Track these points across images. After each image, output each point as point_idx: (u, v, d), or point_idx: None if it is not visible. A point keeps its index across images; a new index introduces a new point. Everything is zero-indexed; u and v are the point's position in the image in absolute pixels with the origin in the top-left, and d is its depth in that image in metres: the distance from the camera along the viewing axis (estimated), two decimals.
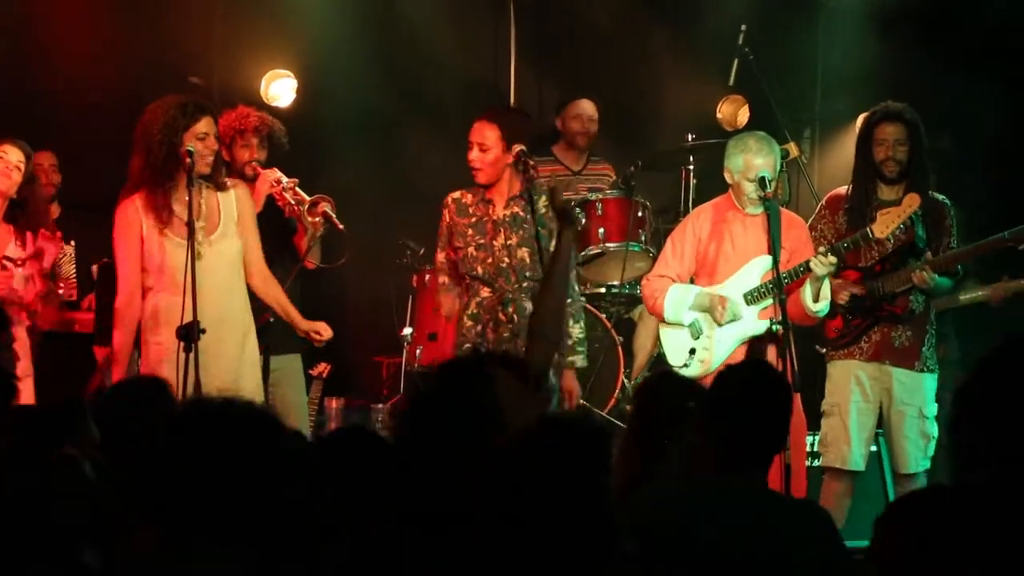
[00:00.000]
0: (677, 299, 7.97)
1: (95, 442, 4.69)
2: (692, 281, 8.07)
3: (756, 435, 4.82)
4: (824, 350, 8.23)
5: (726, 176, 7.94)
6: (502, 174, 7.66)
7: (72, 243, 9.30)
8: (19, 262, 7.67)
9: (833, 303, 7.90)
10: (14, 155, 7.80)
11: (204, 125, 7.17)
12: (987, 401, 3.44)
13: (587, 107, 10.46)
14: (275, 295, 7.53)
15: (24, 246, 7.74)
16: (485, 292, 7.69)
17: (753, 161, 7.79)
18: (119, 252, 7.27)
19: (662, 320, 8.11)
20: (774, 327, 7.58)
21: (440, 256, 7.88)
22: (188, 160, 7.05)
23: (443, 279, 7.87)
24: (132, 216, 7.17)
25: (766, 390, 4.91)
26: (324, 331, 7.59)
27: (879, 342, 7.96)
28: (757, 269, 7.86)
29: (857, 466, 7.89)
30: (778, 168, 7.92)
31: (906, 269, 7.89)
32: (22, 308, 7.70)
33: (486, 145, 7.63)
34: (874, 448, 8.32)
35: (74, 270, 9.39)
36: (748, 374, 5.06)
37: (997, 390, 3.44)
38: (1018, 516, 3.34)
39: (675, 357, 8.08)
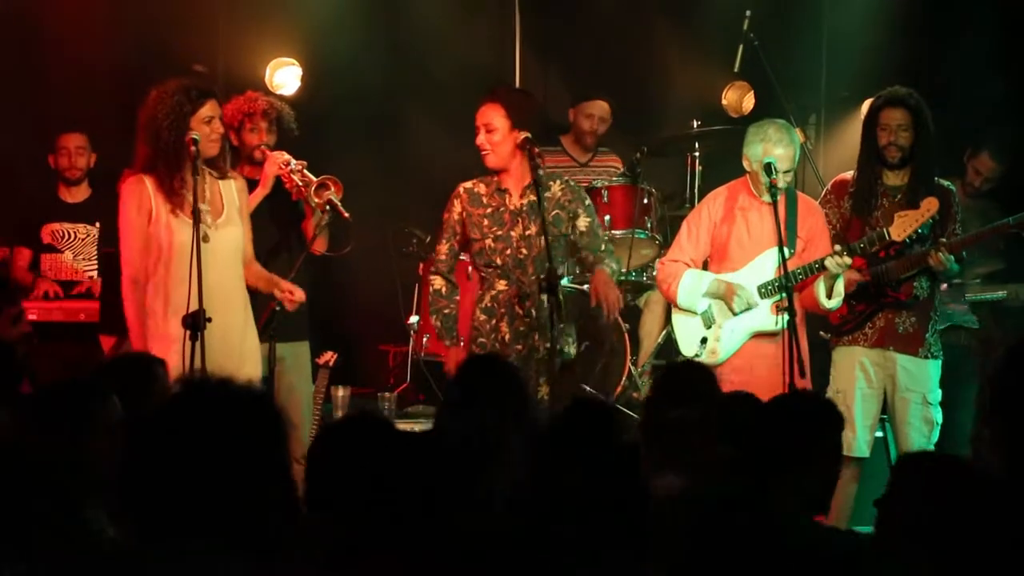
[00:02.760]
0: (691, 285, 7.94)
1: (116, 420, 4.65)
2: (706, 265, 8.05)
3: None
4: (828, 336, 8.23)
5: (744, 163, 7.89)
6: (512, 159, 7.62)
7: (97, 224, 9.26)
8: None
9: None
10: None
11: (209, 109, 7.13)
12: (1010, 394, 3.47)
13: (600, 108, 10.40)
14: (256, 271, 7.42)
15: None
16: (501, 285, 7.65)
17: (773, 151, 7.74)
18: (126, 227, 7.16)
19: (675, 306, 8.09)
20: (781, 323, 7.54)
21: (443, 248, 7.81)
22: (193, 148, 7.04)
23: (438, 283, 7.81)
24: (143, 193, 7.10)
25: None
26: (295, 292, 7.34)
27: (883, 328, 7.96)
28: (771, 262, 7.81)
29: (862, 452, 7.89)
30: (796, 158, 7.88)
31: (911, 255, 7.87)
32: None
33: (492, 126, 7.59)
34: (879, 434, 8.33)
35: (95, 251, 9.31)
36: None
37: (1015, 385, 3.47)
38: None
39: (687, 346, 8.06)
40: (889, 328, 7.95)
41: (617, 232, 9.50)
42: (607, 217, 9.51)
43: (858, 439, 7.86)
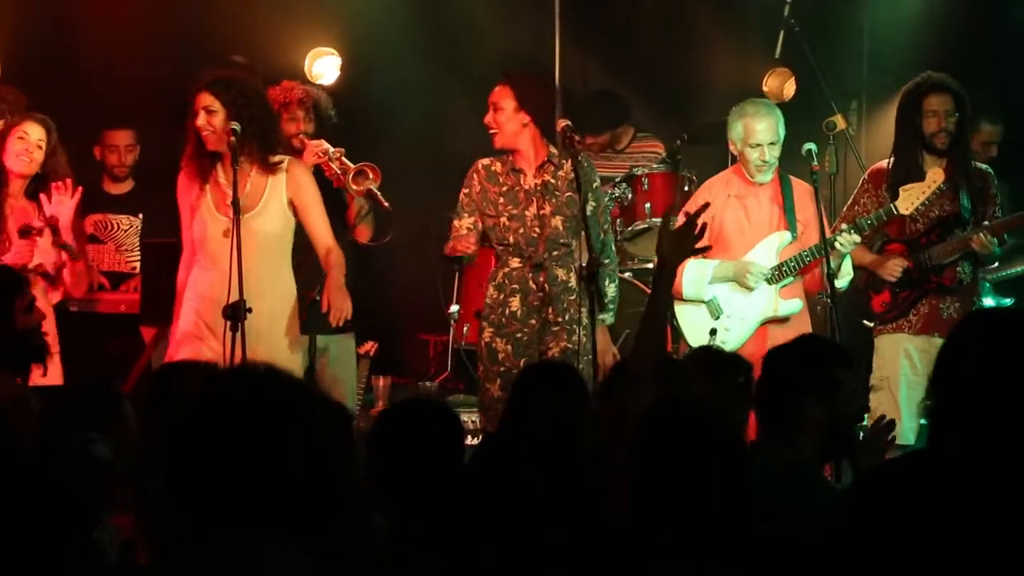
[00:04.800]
0: (696, 275, 7.94)
1: (129, 425, 4.66)
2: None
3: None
4: (872, 324, 8.19)
5: (731, 147, 7.97)
6: (519, 139, 7.68)
7: (140, 216, 9.27)
8: (37, 231, 7.56)
9: (880, 278, 7.89)
10: (35, 133, 7.69)
11: (199, 102, 7.17)
12: (953, 372, 3.47)
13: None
14: (334, 263, 7.31)
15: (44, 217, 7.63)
16: (515, 263, 7.68)
17: (754, 126, 7.83)
18: (181, 215, 7.38)
19: (680, 298, 8.03)
20: (790, 309, 7.56)
21: (460, 223, 7.77)
22: (232, 139, 7.06)
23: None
24: (182, 186, 7.31)
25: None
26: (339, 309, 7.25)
27: (927, 315, 7.93)
28: (774, 246, 7.83)
29: (908, 440, 7.84)
30: (780, 131, 7.91)
31: (953, 239, 7.85)
32: (48, 280, 7.60)
33: (499, 106, 7.70)
34: (923, 421, 8.27)
35: (138, 243, 9.30)
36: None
37: (960, 362, 3.46)
38: (984, 484, 3.35)
39: (694, 337, 8.03)
40: (934, 314, 7.92)
41: (657, 219, 9.45)
42: (647, 204, 9.48)
43: (903, 426, 7.82)
